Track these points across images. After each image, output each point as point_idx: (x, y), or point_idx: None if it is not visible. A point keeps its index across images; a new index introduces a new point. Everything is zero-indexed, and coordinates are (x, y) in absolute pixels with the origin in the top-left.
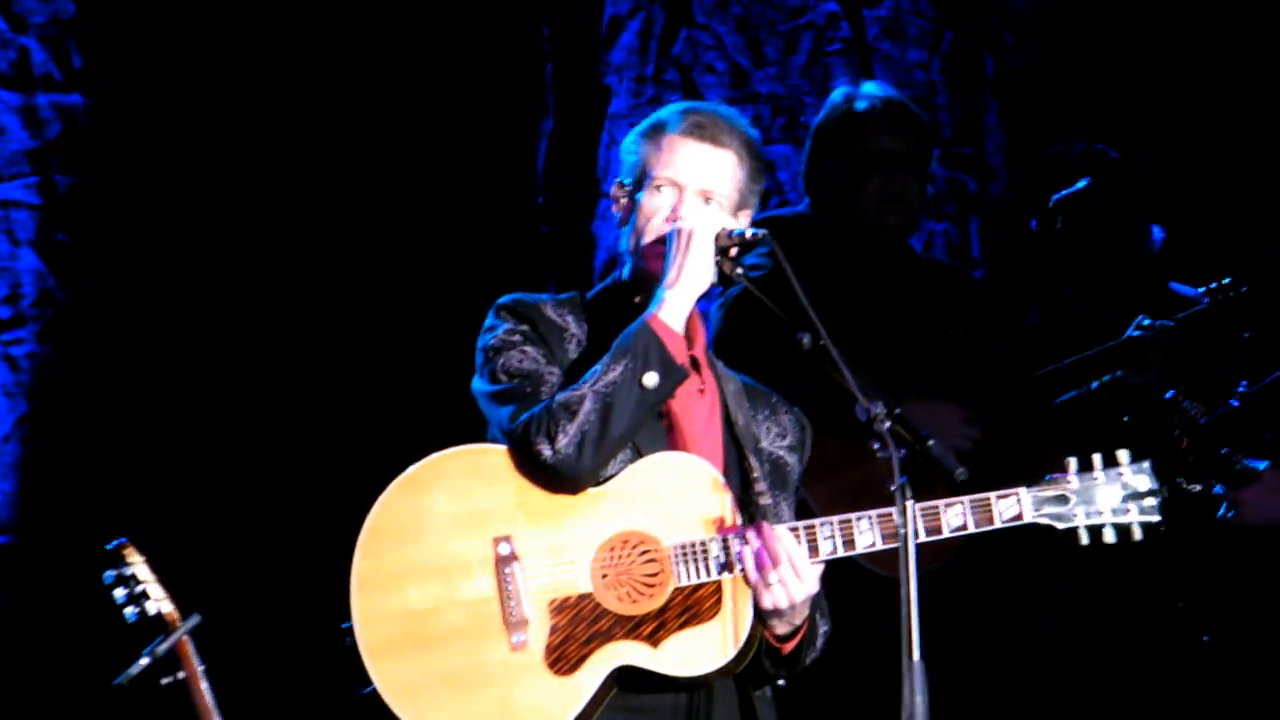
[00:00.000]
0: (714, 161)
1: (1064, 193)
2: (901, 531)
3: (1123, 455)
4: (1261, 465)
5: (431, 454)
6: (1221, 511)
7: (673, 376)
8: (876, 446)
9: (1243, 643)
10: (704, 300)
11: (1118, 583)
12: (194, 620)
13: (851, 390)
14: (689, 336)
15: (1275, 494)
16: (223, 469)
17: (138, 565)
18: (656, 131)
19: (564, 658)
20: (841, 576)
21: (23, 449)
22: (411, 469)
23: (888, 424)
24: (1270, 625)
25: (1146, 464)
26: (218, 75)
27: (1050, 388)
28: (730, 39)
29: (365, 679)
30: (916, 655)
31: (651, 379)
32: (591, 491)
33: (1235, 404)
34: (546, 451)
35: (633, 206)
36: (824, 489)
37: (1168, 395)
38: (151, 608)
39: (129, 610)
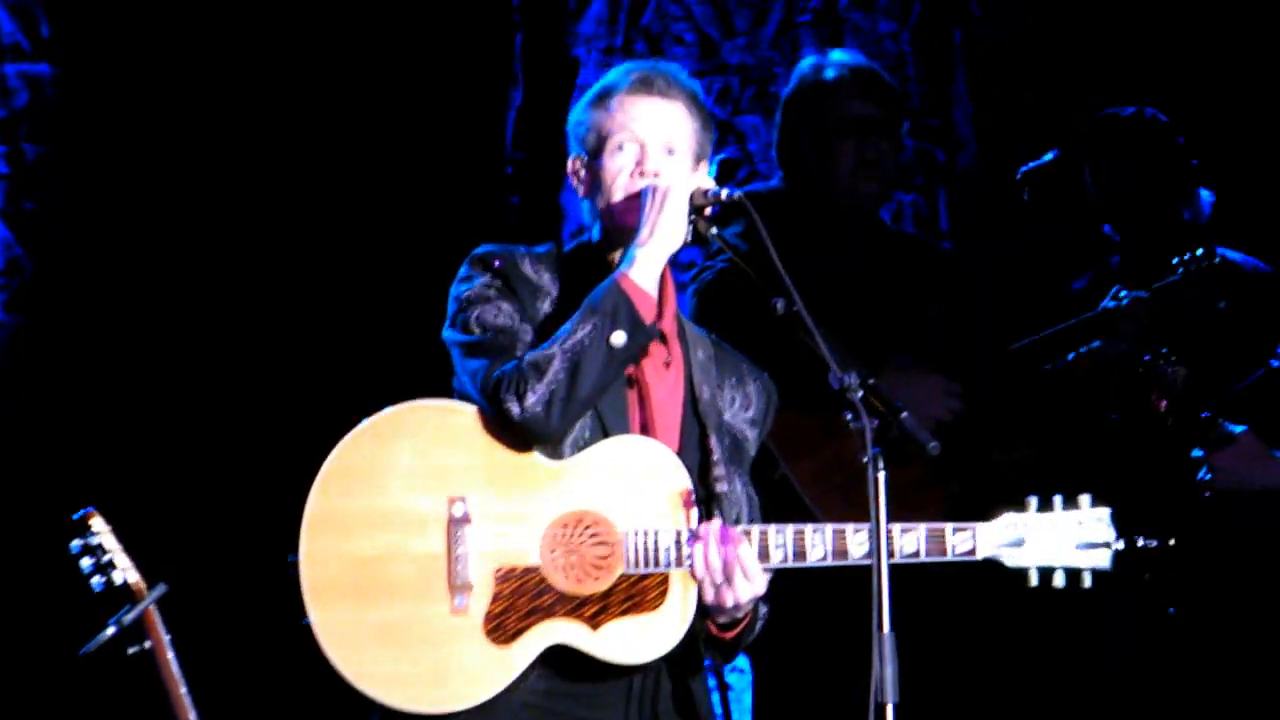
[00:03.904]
0: (668, 113)
1: (1030, 165)
2: (873, 509)
3: (1084, 500)
4: (1239, 430)
5: (399, 404)
6: (1200, 474)
7: (641, 335)
8: (849, 417)
9: (1226, 629)
10: (680, 272)
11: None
12: (160, 590)
13: (825, 358)
14: (661, 305)
15: (1249, 459)
16: (190, 438)
17: (104, 535)
18: (604, 96)
19: (502, 628)
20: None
21: None
22: (377, 415)
23: (860, 394)
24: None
25: (1106, 512)
26: (186, 45)
27: (1029, 360)
28: (699, 9)
29: (304, 612)
30: (887, 628)
31: (619, 338)
32: (553, 465)
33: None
34: (515, 409)
35: (594, 176)
36: (805, 465)
37: (1146, 358)
38: (118, 577)
39: (95, 580)
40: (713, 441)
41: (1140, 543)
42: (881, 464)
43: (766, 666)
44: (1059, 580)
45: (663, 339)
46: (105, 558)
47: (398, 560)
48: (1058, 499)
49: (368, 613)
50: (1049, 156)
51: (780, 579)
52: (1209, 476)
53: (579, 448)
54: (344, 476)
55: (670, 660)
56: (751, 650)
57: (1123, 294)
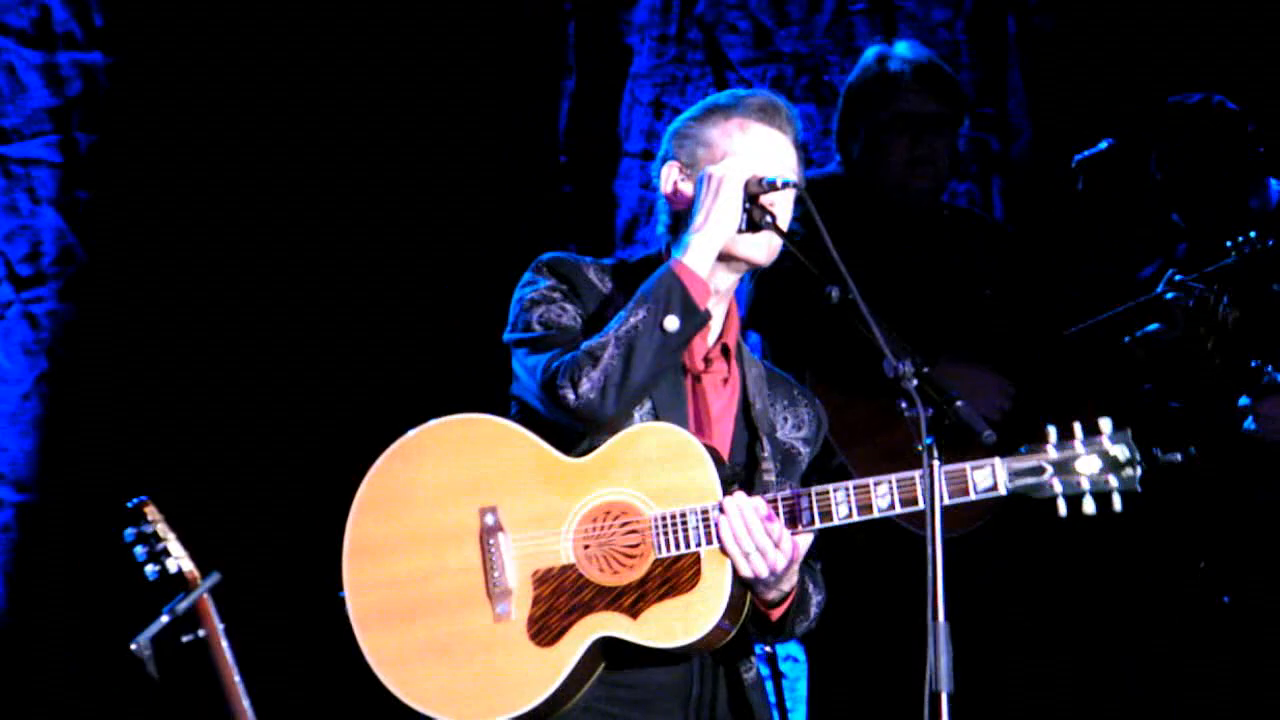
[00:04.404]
0: (775, 142)
1: (1085, 153)
2: (926, 493)
3: (1104, 424)
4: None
5: (425, 423)
6: (1246, 424)
7: (694, 321)
8: (903, 405)
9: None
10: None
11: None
12: (214, 578)
13: (880, 346)
14: (723, 323)
15: None
16: (242, 427)
17: (158, 523)
18: (722, 113)
19: (546, 628)
20: (876, 536)
21: (43, 407)
22: (402, 439)
23: (915, 382)
24: None
25: (1127, 432)
26: (238, 35)
27: (1083, 345)
28: None
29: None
30: (941, 617)
31: (673, 322)
32: (576, 462)
33: None
34: (570, 396)
35: (688, 182)
36: (860, 453)
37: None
38: (172, 565)
39: (149, 568)
40: (764, 446)
41: (1163, 457)
42: (937, 452)
43: (820, 654)
44: (1089, 506)
45: (725, 354)
46: (159, 546)
47: (437, 577)
48: (1077, 426)
49: (415, 633)
50: (1103, 145)
51: (832, 568)
52: (1254, 426)
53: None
54: (375, 503)
55: (727, 667)
56: (806, 638)
57: (1178, 278)
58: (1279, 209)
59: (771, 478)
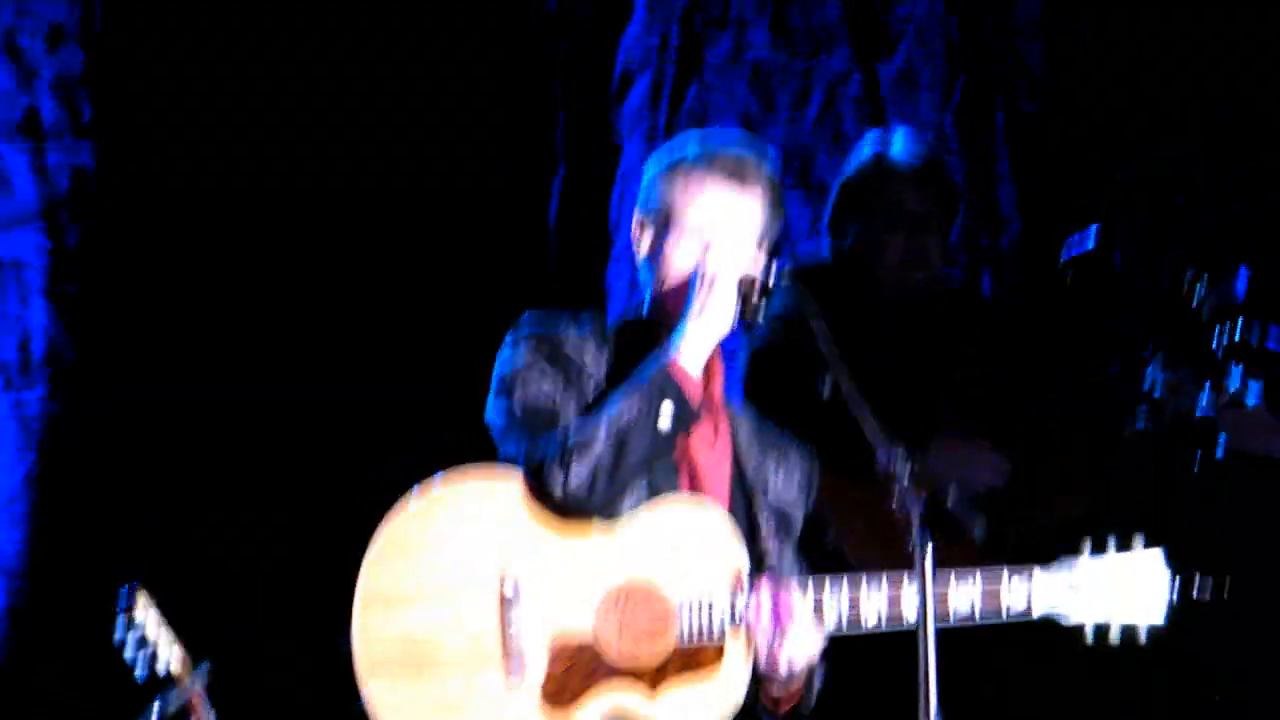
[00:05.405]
0: (744, 210)
1: (1075, 249)
2: (920, 589)
3: (1137, 541)
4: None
5: (446, 474)
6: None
7: (686, 419)
8: (895, 500)
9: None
10: (733, 341)
11: None
12: (204, 670)
13: (872, 440)
14: (707, 381)
15: (1258, 422)
16: (237, 513)
17: (148, 617)
18: (684, 169)
19: (558, 701)
20: None
21: (34, 500)
22: (423, 488)
23: (908, 477)
24: None
25: (1159, 554)
26: (228, 127)
27: (1074, 434)
28: (741, 92)
29: (357, 695)
30: (934, 712)
31: (665, 421)
32: (603, 535)
33: None
34: (558, 489)
35: (655, 246)
36: (854, 532)
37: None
38: (160, 665)
39: (139, 664)
40: (761, 512)
41: (1196, 586)
42: (929, 547)
43: None
44: (1115, 635)
45: (711, 413)
46: (148, 646)
47: (450, 636)
48: (1111, 541)
49: (423, 690)
50: (1092, 235)
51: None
52: (1224, 441)
53: (629, 510)
54: (393, 553)
55: None
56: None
57: (1166, 372)
58: (1247, 297)
59: (770, 543)
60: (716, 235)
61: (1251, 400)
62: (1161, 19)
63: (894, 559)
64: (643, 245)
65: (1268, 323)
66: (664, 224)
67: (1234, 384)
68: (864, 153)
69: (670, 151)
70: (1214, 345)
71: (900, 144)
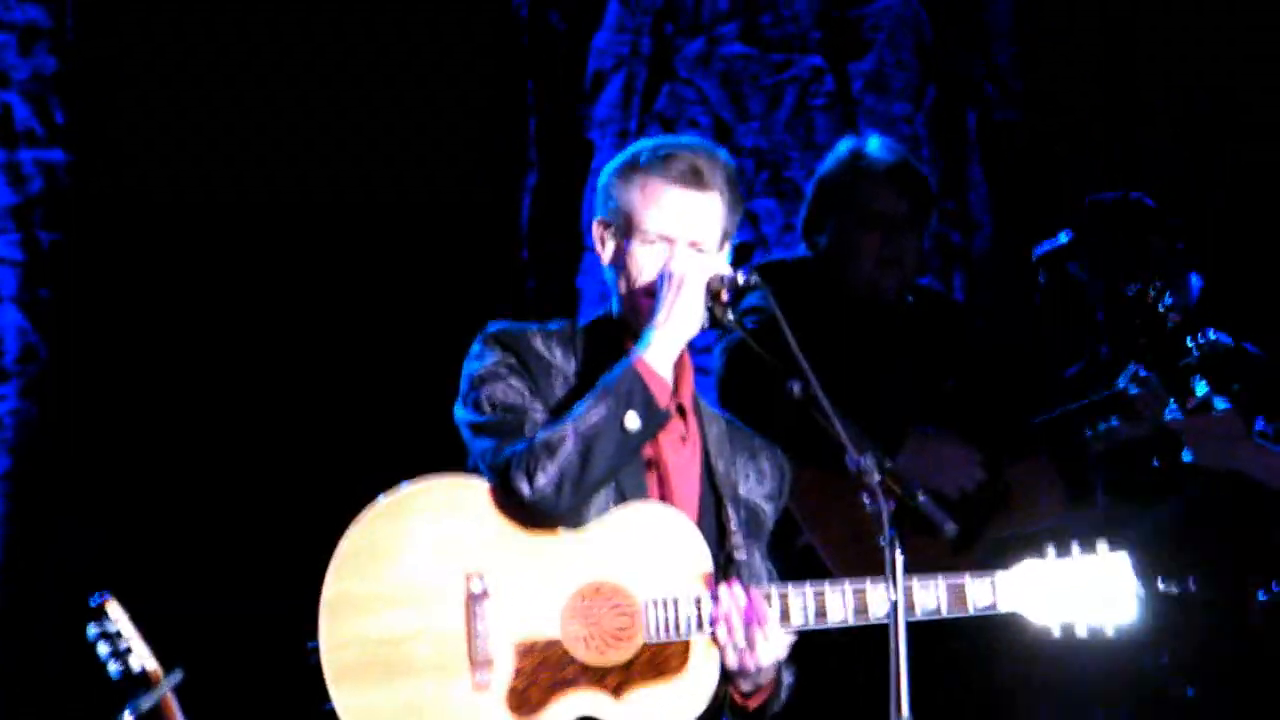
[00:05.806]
0: (703, 209)
1: (1044, 247)
2: (890, 588)
3: (1101, 546)
4: (1223, 405)
5: (412, 480)
6: (1185, 456)
7: (655, 420)
8: (866, 500)
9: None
10: (704, 339)
11: None
12: (176, 676)
13: (841, 441)
14: (677, 381)
15: (1226, 434)
16: (209, 521)
17: (120, 621)
18: (640, 173)
19: (526, 702)
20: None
21: (6, 505)
22: (390, 494)
23: (877, 477)
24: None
25: (1123, 556)
26: (201, 130)
27: (1047, 435)
28: (713, 93)
29: (327, 698)
30: (906, 713)
31: (634, 422)
32: (570, 536)
33: None
34: (525, 489)
35: (619, 251)
36: (828, 533)
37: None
38: (135, 664)
39: (112, 667)
40: (729, 513)
41: (1161, 587)
42: (900, 547)
43: None
44: (1082, 632)
45: (680, 413)
46: (121, 645)
47: (417, 639)
48: (1074, 545)
49: (391, 693)
50: (1063, 238)
51: (803, 644)
52: (1190, 455)
53: (597, 515)
54: (358, 557)
55: None
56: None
57: (1143, 374)
58: (1199, 304)
59: (739, 541)
60: (679, 237)
61: (1219, 405)
62: (1131, 22)
63: (865, 558)
64: (606, 251)
65: (1229, 327)
66: (625, 229)
67: (1201, 390)
68: (840, 153)
69: (625, 158)
70: (1181, 351)
71: (875, 145)
